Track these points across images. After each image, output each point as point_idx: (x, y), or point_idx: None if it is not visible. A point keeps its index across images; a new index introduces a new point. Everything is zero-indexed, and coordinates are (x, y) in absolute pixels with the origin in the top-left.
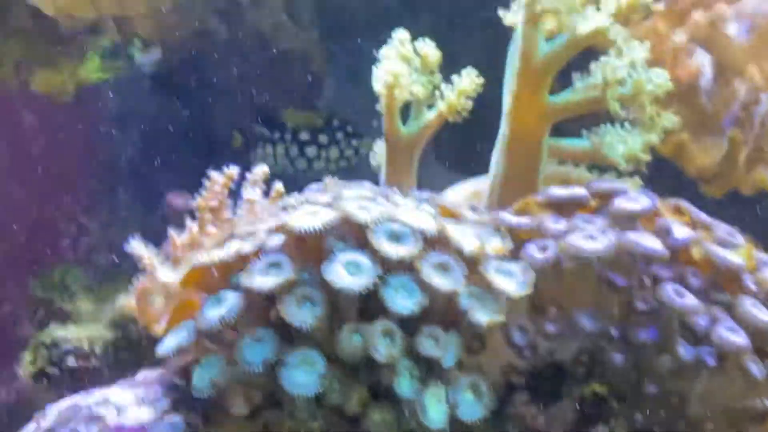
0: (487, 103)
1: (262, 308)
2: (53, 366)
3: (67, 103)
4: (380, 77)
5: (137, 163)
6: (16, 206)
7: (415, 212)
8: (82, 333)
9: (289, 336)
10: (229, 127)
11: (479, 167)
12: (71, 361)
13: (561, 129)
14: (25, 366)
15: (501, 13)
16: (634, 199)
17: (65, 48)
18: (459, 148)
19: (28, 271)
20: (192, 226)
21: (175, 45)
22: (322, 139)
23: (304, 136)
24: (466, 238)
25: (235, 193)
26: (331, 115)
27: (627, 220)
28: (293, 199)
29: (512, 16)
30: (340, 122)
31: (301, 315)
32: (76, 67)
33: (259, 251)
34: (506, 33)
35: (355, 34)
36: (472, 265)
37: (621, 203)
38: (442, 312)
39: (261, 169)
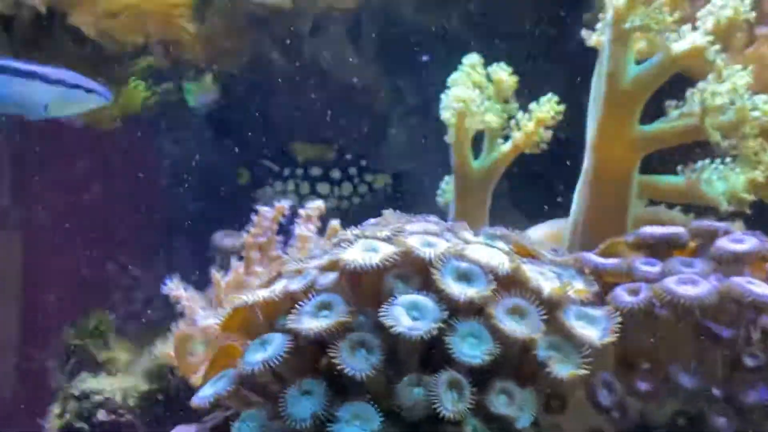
0: (568, 138)
1: (311, 355)
2: (82, 420)
3: (119, 144)
4: (449, 104)
5: (194, 210)
6: (67, 256)
7: (486, 249)
8: (116, 384)
9: (341, 387)
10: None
11: (558, 211)
12: (102, 415)
13: (651, 166)
14: (52, 420)
15: (584, 33)
16: (740, 239)
17: (109, 73)
18: (534, 186)
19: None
20: (238, 266)
21: (227, 74)
22: (335, 174)
23: (315, 171)
24: (545, 279)
25: (287, 231)
26: (342, 147)
27: (732, 263)
28: (349, 233)
29: (597, 36)
30: (353, 156)
31: (355, 363)
32: (120, 93)
33: (309, 290)
34: (589, 64)
35: (422, 68)
36: (551, 310)
37: (725, 244)
38: (517, 364)
39: (316, 204)
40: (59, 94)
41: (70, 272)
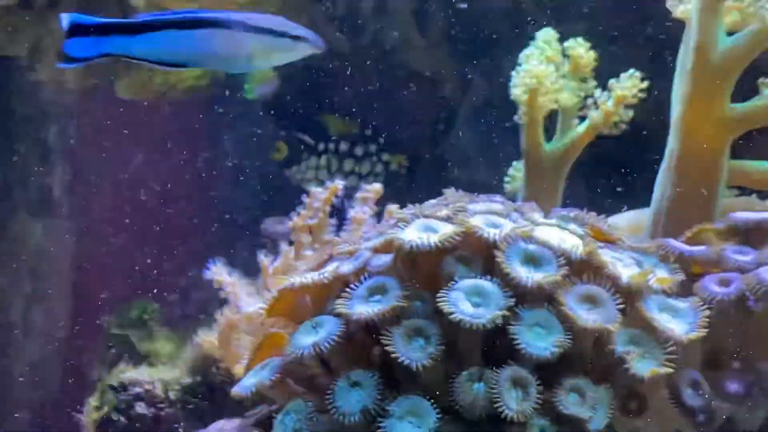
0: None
1: (361, 344)
2: (120, 413)
3: (173, 131)
4: (521, 81)
5: (247, 197)
6: (117, 246)
7: (558, 231)
8: (157, 376)
9: (393, 380)
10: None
11: (636, 201)
12: (141, 408)
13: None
14: (90, 412)
15: (669, 4)
16: None
17: None
18: (610, 173)
19: None
20: (287, 250)
21: None
22: (358, 151)
23: (343, 146)
24: (624, 266)
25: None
26: (363, 123)
27: None
28: (407, 212)
29: (684, 6)
30: (373, 132)
31: (411, 352)
32: (165, 73)
33: (362, 273)
34: (671, 45)
35: (494, 54)
36: (630, 299)
37: None
38: (590, 358)
39: (374, 187)
40: (263, 43)
41: (120, 262)
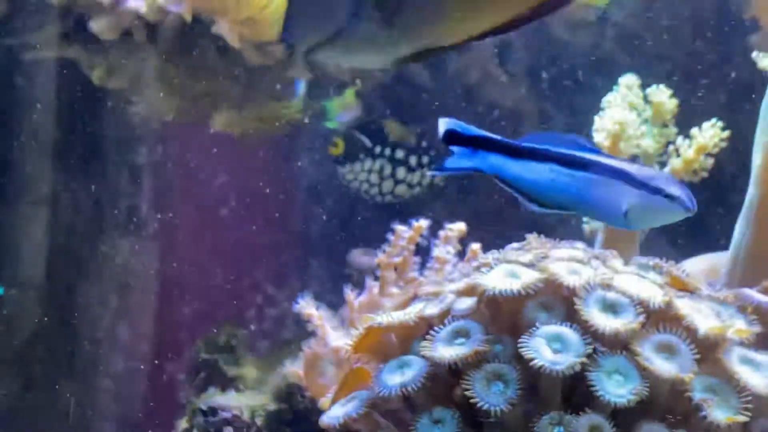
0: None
1: (444, 384)
2: None
3: (258, 157)
4: (603, 126)
5: (332, 227)
6: (202, 268)
7: (637, 280)
8: (244, 401)
9: (474, 421)
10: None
11: (713, 246)
12: None
13: None
14: None
15: (755, 54)
16: None
17: (251, 86)
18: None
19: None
20: (372, 285)
21: (368, 90)
22: (412, 160)
23: (400, 154)
24: (703, 317)
25: (425, 251)
26: (422, 133)
27: None
28: (490, 257)
29: None
30: (429, 143)
31: (491, 397)
32: (261, 107)
33: (446, 315)
34: (751, 89)
35: (574, 91)
36: (707, 350)
37: None
38: (666, 406)
39: (457, 226)
40: (640, 200)
41: (205, 285)
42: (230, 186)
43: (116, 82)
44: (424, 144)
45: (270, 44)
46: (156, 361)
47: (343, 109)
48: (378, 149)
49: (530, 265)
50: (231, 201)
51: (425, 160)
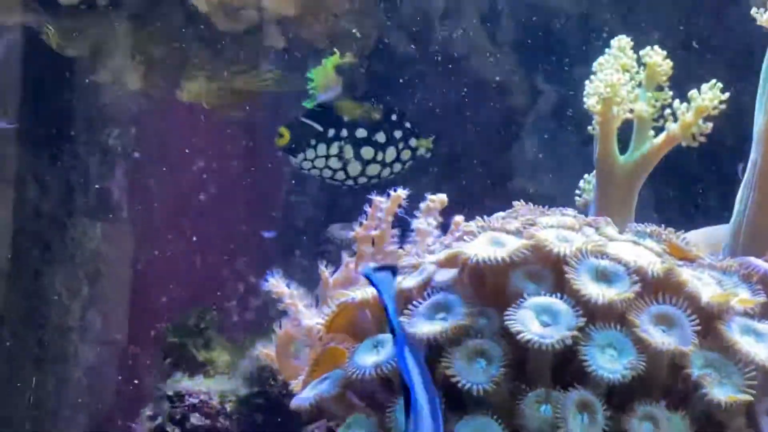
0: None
1: (424, 362)
2: (175, 424)
3: (236, 135)
4: (594, 90)
5: (313, 209)
6: (177, 252)
7: (633, 247)
8: (213, 387)
9: (458, 399)
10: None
11: (711, 218)
12: (196, 419)
13: None
14: (144, 422)
15: (753, 11)
16: None
17: (220, 54)
18: (684, 188)
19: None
20: (348, 261)
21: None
22: (379, 137)
23: (361, 133)
24: (703, 284)
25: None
26: (388, 107)
27: None
28: (473, 224)
29: None
30: (399, 116)
31: (472, 375)
32: (233, 75)
33: (425, 288)
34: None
35: (566, 63)
36: (709, 321)
37: None
38: (664, 383)
39: (439, 197)
40: None
41: (178, 268)
42: (204, 167)
43: (76, 49)
44: (393, 118)
45: (241, 8)
46: (123, 346)
47: (324, 87)
48: (332, 132)
49: (517, 233)
50: (204, 181)
51: (398, 134)
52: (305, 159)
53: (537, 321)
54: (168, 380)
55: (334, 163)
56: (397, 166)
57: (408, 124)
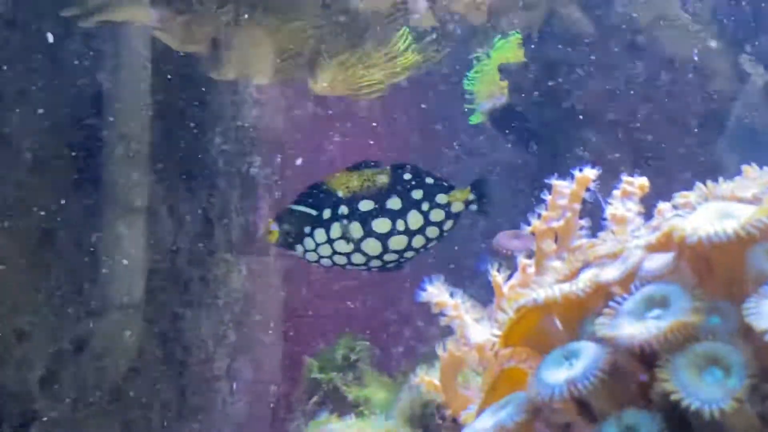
0: None
1: (633, 377)
2: None
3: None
4: None
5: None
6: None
7: None
8: (366, 429)
9: (682, 423)
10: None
11: None
12: None
13: None
14: None
15: None
16: None
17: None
18: None
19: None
20: (525, 264)
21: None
22: (393, 204)
23: (366, 205)
24: None
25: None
26: (397, 165)
27: None
28: (692, 195)
29: None
30: (414, 173)
31: (703, 390)
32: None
33: (631, 280)
34: None
35: None
36: None
37: None
38: None
39: (639, 180)
40: None
41: (328, 302)
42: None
43: (196, 44)
44: (406, 177)
45: None
46: (276, 394)
47: (488, 94)
48: (327, 213)
49: (754, 201)
50: None
51: (417, 195)
52: (306, 251)
53: None
54: (311, 422)
55: (343, 246)
56: (433, 231)
57: (430, 179)
